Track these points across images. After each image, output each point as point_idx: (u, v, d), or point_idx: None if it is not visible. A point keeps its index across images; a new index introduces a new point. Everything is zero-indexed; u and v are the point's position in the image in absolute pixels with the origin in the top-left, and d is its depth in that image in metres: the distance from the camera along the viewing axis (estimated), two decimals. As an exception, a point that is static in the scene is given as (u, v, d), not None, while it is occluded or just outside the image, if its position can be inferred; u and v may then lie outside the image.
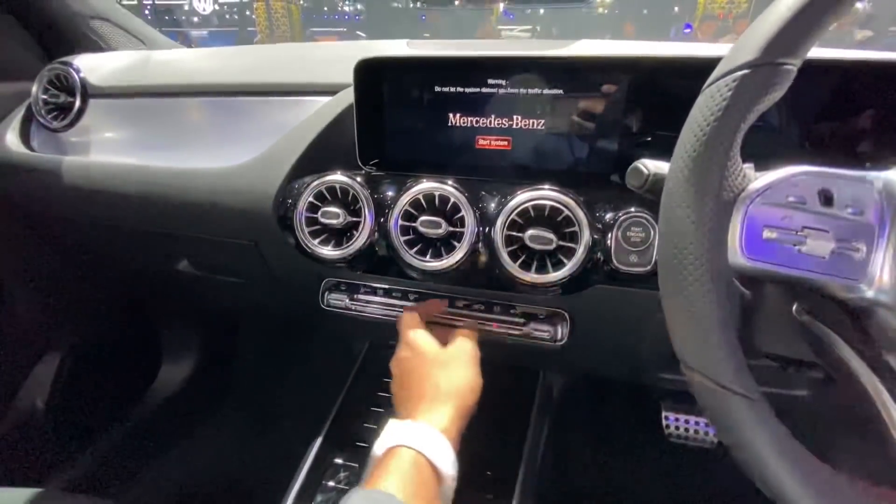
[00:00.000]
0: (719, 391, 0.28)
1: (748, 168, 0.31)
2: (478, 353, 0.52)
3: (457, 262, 0.52)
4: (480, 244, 0.53)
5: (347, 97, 0.60)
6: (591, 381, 0.93)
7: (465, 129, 0.56)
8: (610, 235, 0.49)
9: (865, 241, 0.27)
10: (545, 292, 0.52)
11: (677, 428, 0.90)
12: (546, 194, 0.50)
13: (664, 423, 0.88)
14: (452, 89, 0.55)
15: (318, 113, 0.62)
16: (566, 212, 0.49)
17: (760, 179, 0.28)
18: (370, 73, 0.56)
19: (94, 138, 0.75)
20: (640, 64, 0.49)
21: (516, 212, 0.51)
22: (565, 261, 0.50)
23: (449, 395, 0.47)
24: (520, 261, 0.51)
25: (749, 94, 0.27)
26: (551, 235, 0.49)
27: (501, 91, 0.54)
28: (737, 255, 0.28)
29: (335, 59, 0.70)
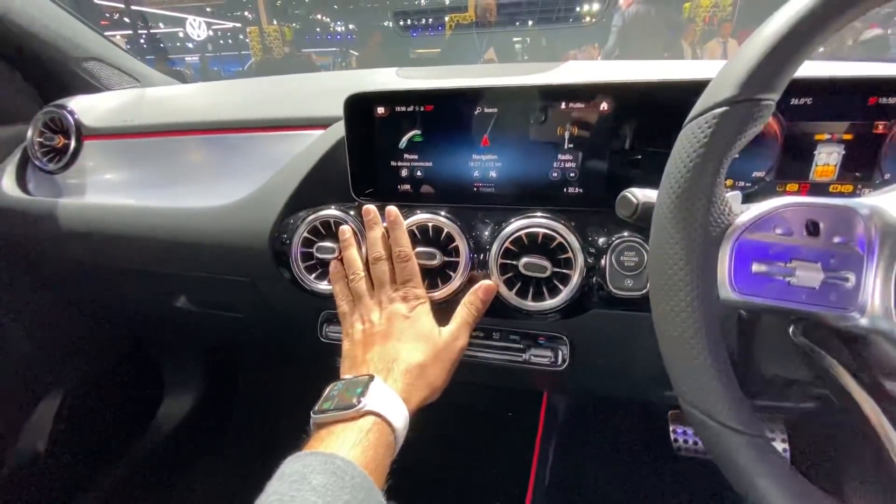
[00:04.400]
0: (716, 428, 0.27)
1: (734, 199, 0.32)
2: (460, 353, 0.51)
3: (453, 292, 0.52)
4: (476, 272, 0.53)
5: (339, 130, 0.61)
6: (597, 399, 0.92)
7: (456, 157, 0.56)
8: (604, 260, 0.49)
9: (854, 270, 0.27)
10: (543, 318, 0.52)
11: (686, 441, 0.89)
12: (538, 222, 0.51)
13: (672, 436, 0.88)
14: (442, 120, 0.56)
15: (310, 147, 0.63)
16: (559, 238, 0.49)
17: (747, 213, 0.28)
18: (360, 106, 0.57)
19: (89, 179, 0.76)
20: (626, 89, 0.50)
21: (510, 240, 0.51)
22: (561, 287, 0.50)
23: (425, 382, 0.46)
24: (516, 288, 0.51)
25: (729, 131, 0.27)
26: (546, 263, 0.49)
27: (492, 119, 0.54)
28: (726, 289, 0.28)
29: (326, 92, 0.71)
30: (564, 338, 0.56)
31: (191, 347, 1.10)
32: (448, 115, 0.56)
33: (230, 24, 14.37)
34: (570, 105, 0.52)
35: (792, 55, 0.26)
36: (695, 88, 0.47)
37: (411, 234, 0.54)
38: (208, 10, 14.09)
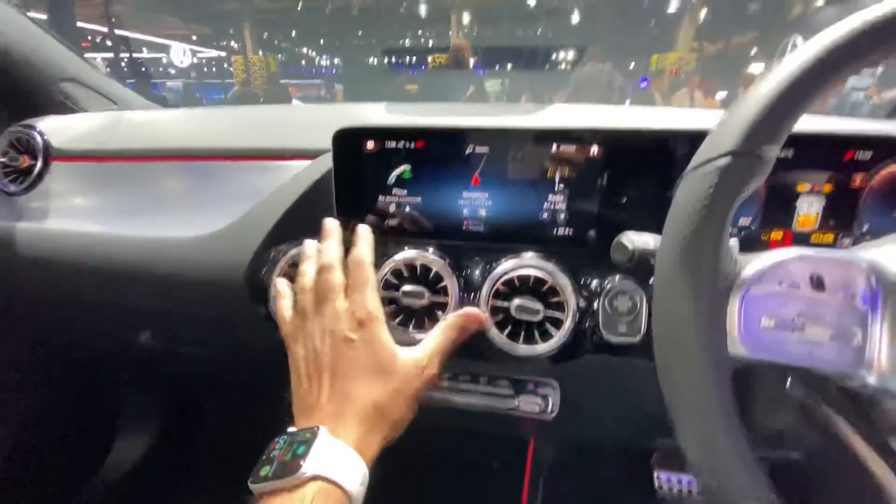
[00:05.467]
0: (730, 496, 0.26)
1: (734, 248, 0.31)
2: (428, 384, 0.43)
3: None
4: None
5: (326, 162, 0.59)
6: (584, 443, 0.89)
7: (446, 195, 0.56)
8: (597, 304, 0.48)
9: (860, 326, 0.27)
10: (534, 363, 0.50)
11: (670, 488, 0.86)
12: (530, 262, 0.50)
13: (656, 482, 0.85)
14: (433, 157, 0.55)
15: (295, 178, 0.61)
16: (551, 280, 0.48)
17: (752, 265, 0.28)
18: (349, 140, 0.56)
19: (54, 204, 0.71)
20: (616, 136, 0.51)
21: (501, 281, 0.49)
22: (553, 331, 0.48)
23: (384, 422, 0.39)
24: (507, 331, 0.49)
25: (733, 183, 0.27)
26: (538, 305, 0.48)
27: (483, 159, 0.54)
28: (737, 345, 0.27)
29: (314, 123, 0.70)
30: (555, 383, 0.54)
31: (152, 385, 1.02)
32: (439, 152, 0.55)
33: (215, 53, 14.51)
34: (561, 148, 0.52)
35: (794, 107, 0.27)
36: (687, 139, 0.48)
37: (397, 272, 0.52)
38: (194, 38, 14.23)
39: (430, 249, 0.52)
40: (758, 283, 0.27)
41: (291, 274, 0.55)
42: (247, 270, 0.56)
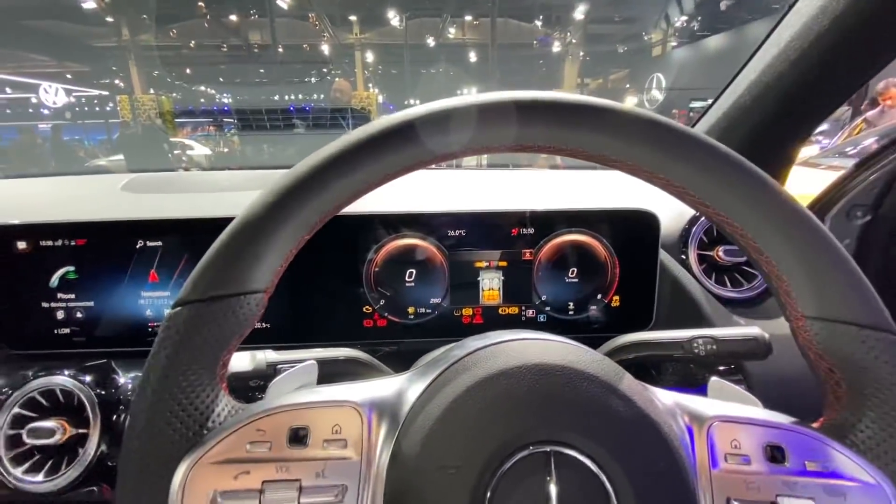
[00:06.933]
0: None
1: (279, 385, 0.28)
2: None
3: (75, 480, 0.42)
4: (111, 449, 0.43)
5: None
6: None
7: (122, 296, 0.49)
8: None
9: (349, 480, 0.24)
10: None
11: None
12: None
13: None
14: (99, 255, 0.48)
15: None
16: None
17: (216, 430, 0.24)
18: (-2, 241, 0.47)
19: None
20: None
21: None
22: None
23: None
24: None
25: (199, 329, 0.24)
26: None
27: (157, 253, 0.48)
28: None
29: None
30: None
31: None
32: (104, 249, 0.48)
33: (95, 92, 13.24)
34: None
35: (252, 252, 0.24)
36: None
37: (30, 401, 0.43)
38: (69, 76, 12.91)
39: (67, 373, 0.44)
40: (216, 452, 0.23)
41: None
42: None
